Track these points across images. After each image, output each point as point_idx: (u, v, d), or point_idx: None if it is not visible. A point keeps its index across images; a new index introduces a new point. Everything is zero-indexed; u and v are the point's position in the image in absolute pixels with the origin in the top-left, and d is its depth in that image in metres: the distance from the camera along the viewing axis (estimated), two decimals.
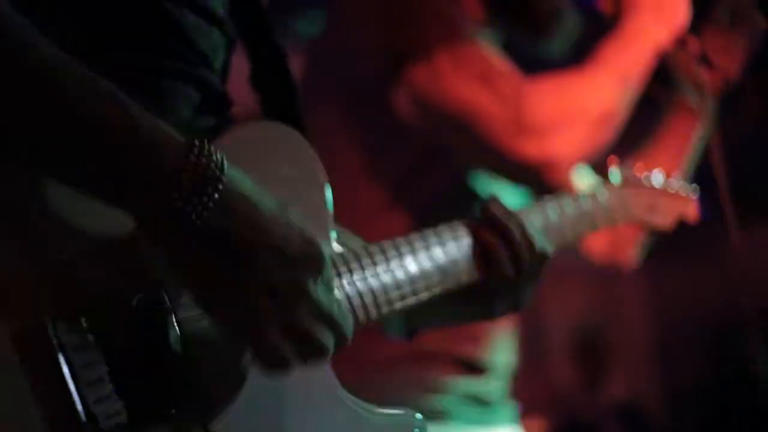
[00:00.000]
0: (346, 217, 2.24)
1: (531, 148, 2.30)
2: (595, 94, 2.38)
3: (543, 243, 1.72)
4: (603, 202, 1.98)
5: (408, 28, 2.34)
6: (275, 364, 1.26)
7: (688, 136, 2.59)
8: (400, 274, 1.56)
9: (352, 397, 1.45)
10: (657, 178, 2.15)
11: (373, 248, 1.55)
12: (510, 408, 2.53)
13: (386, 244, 1.58)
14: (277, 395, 1.37)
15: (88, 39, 1.34)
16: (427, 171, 2.42)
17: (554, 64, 2.51)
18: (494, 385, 2.47)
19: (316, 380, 1.42)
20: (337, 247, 1.52)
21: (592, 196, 1.96)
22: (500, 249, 1.68)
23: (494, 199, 1.73)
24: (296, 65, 2.55)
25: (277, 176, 1.44)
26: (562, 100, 2.36)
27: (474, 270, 1.68)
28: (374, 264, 1.53)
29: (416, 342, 2.32)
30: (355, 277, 1.50)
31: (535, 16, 2.51)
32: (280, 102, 1.59)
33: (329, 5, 2.50)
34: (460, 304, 1.71)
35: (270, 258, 1.23)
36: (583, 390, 5.99)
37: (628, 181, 2.08)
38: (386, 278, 1.54)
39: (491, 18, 2.52)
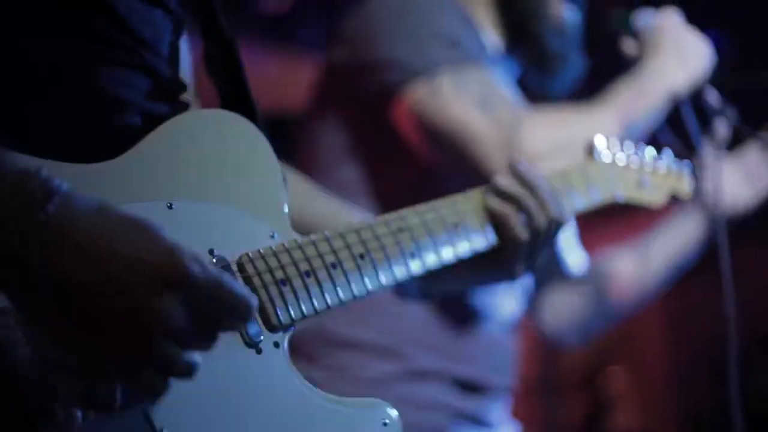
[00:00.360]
0: None
1: None
2: (592, 131, 2.38)
3: (559, 208, 1.78)
4: (585, 178, 1.98)
5: (415, 47, 2.37)
6: (149, 400, 1.24)
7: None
8: (399, 269, 1.60)
9: (317, 390, 1.43)
10: (646, 155, 2.13)
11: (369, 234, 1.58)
12: (509, 429, 2.54)
13: (388, 234, 1.60)
14: (223, 385, 1.35)
15: (24, 29, 1.36)
16: (426, 189, 2.43)
17: (564, 97, 2.54)
18: (492, 406, 2.48)
19: (269, 370, 1.41)
20: (295, 235, 1.50)
21: (572, 173, 1.96)
22: (512, 215, 1.74)
23: (512, 165, 1.78)
24: (308, 75, 2.60)
25: (225, 164, 1.44)
26: (557, 132, 2.37)
27: (487, 238, 1.74)
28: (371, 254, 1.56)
29: (412, 359, 2.35)
30: (328, 260, 1.50)
31: (544, 55, 2.54)
32: (231, 90, 1.59)
33: (338, 18, 2.53)
34: (477, 267, 1.76)
35: (106, 287, 1.16)
36: (593, 417, 5.97)
37: (615, 159, 2.07)
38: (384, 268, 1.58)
39: (507, 47, 2.56)
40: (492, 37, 2.54)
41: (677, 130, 2.51)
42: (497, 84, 2.40)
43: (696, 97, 2.50)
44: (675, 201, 2.23)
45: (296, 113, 2.69)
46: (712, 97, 2.51)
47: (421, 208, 1.68)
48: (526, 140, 2.33)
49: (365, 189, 2.43)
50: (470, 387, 2.42)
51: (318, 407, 1.43)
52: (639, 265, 2.70)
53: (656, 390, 6.20)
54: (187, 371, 1.21)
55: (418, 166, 2.42)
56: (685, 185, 2.20)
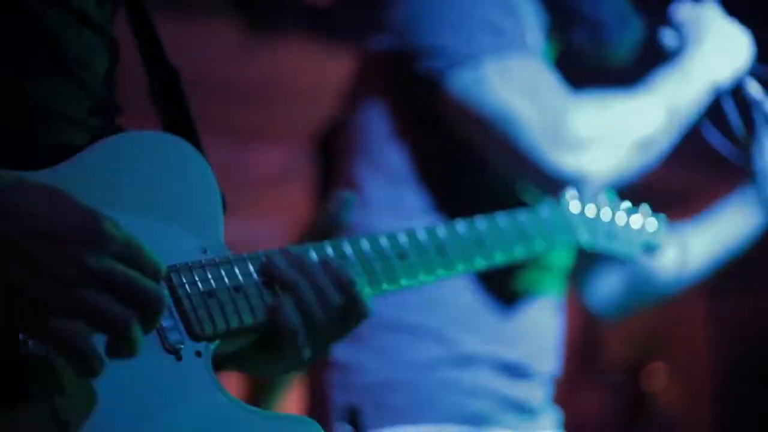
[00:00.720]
0: (392, 217, 2.30)
1: (566, 161, 2.34)
2: (638, 118, 2.42)
3: (341, 292, 1.59)
4: (544, 223, 2.05)
5: (460, 34, 2.39)
6: (69, 350, 1.25)
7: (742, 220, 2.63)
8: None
9: (240, 402, 1.45)
10: (620, 208, 2.21)
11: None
12: (553, 415, 2.55)
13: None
14: (138, 388, 1.38)
15: None
16: (473, 174, 2.47)
17: (607, 81, 2.54)
18: (536, 391, 2.50)
19: (188, 377, 1.43)
20: (229, 252, 1.54)
21: (531, 215, 2.03)
22: (283, 306, 1.55)
23: (285, 251, 1.60)
24: (351, 65, 2.64)
25: (161, 182, 1.49)
26: (603, 118, 2.39)
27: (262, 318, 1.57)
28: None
29: (458, 343, 2.37)
30: (260, 278, 1.52)
31: (602, 21, 2.56)
32: (175, 118, 1.63)
33: (381, 7, 2.55)
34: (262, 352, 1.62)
35: (28, 238, 1.24)
36: (631, 408, 5.95)
37: (585, 209, 2.14)
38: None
39: (553, 27, 2.58)
40: (537, 22, 2.56)
41: (718, 122, 2.51)
42: (543, 71, 2.42)
43: (737, 89, 2.51)
44: (649, 254, 2.29)
45: (336, 103, 2.73)
46: (754, 89, 2.52)
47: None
48: (572, 127, 2.35)
49: (412, 174, 2.46)
50: (515, 372, 2.44)
51: (238, 419, 1.44)
52: (680, 251, 2.70)
53: (697, 387, 6.18)
54: (117, 325, 1.26)
55: (463, 153, 2.45)
56: (659, 240, 2.27)
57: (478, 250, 1.88)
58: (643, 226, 2.23)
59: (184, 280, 1.46)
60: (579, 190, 2.22)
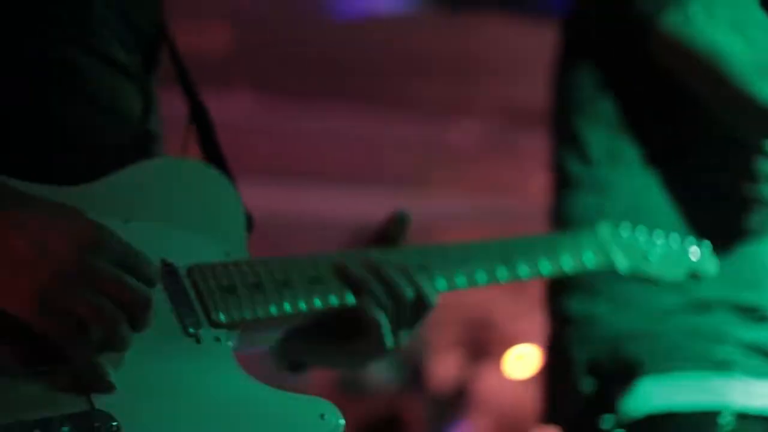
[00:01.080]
0: (610, 169, 2.31)
1: None
2: None
3: (414, 286, 1.75)
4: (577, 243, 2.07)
5: None
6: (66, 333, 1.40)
7: None
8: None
9: (260, 383, 1.54)
10: (657, 232, 2.22)
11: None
12: None
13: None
14: (165, 377, 1.49)
15: None
16: (683, 119, 2.45)
17: None
18: None
19: (206, 359, 1.54)
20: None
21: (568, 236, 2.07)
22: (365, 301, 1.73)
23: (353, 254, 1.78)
24: (551, 35, 2.66)
25: (191, 199, 1.66)
26: None
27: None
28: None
29: (694, 289, 2.33)
30: (279, 278, 1.65)
31: None
32: (207, 146, 1.79)
33: None
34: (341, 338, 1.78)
35: (39, 227, 1.39)
36: None
37: (625, 235, 2.16)
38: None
39: None
40: None
41: None
42: (749, 5, 2.29)
43: None
44: (694, 280, 2.25)
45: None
46: None
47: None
48: None
49: (627, 125, 2.45)
50: (755, 316, 2.40)
51: (256, 398, 1.53)
52: None
53: None
54: (107, 321, 1.40)
55: (675, 97, 2.43)
56: (705, 264, 2.24)
57: (501, 260, 1.94)
58: (684, 250, 2.23)
59: (206, 275, 1.61)
60: None
